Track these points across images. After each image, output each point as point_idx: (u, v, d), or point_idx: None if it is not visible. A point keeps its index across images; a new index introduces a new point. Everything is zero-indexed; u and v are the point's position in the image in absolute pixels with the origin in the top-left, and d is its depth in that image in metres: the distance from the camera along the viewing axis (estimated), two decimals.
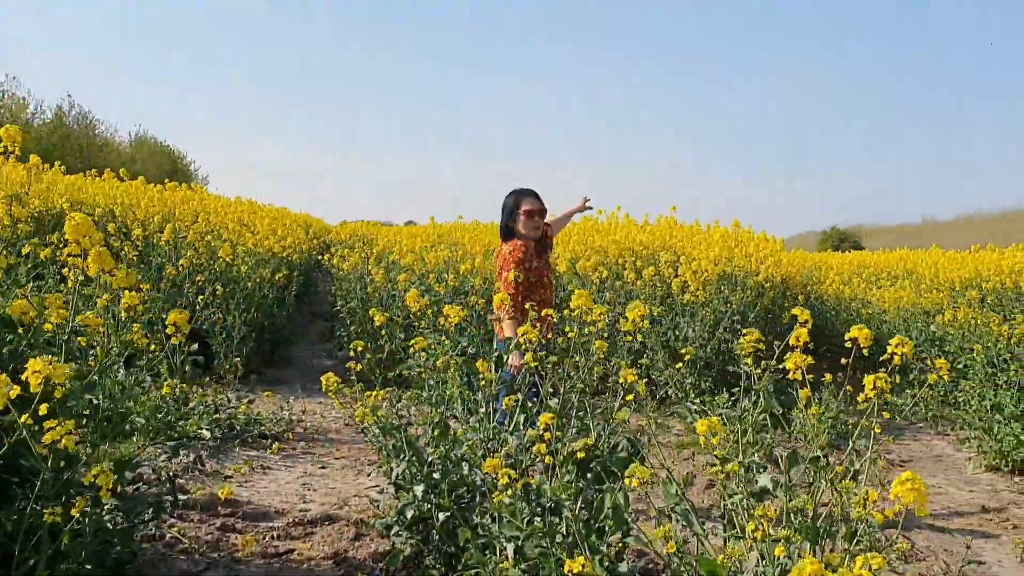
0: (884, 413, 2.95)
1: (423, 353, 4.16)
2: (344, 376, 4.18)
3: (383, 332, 4.65)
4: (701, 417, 8.26)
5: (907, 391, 9.75)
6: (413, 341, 4.17)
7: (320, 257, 12.62)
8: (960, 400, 9.41)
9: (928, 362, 10.24)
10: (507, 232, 5.60)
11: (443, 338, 4.41)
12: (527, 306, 4.57)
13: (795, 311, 8.50)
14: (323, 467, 6.60)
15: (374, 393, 4.01)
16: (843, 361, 3.14)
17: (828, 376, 8.46)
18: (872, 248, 58.60)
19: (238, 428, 7.10)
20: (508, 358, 4.55)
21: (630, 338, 8.99)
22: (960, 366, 9.51)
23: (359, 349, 4.17)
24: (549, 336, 5.54)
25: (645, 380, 8.77)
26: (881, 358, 8.95)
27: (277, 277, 9.91)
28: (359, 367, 4.27)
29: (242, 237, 10.16)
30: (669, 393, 8.64)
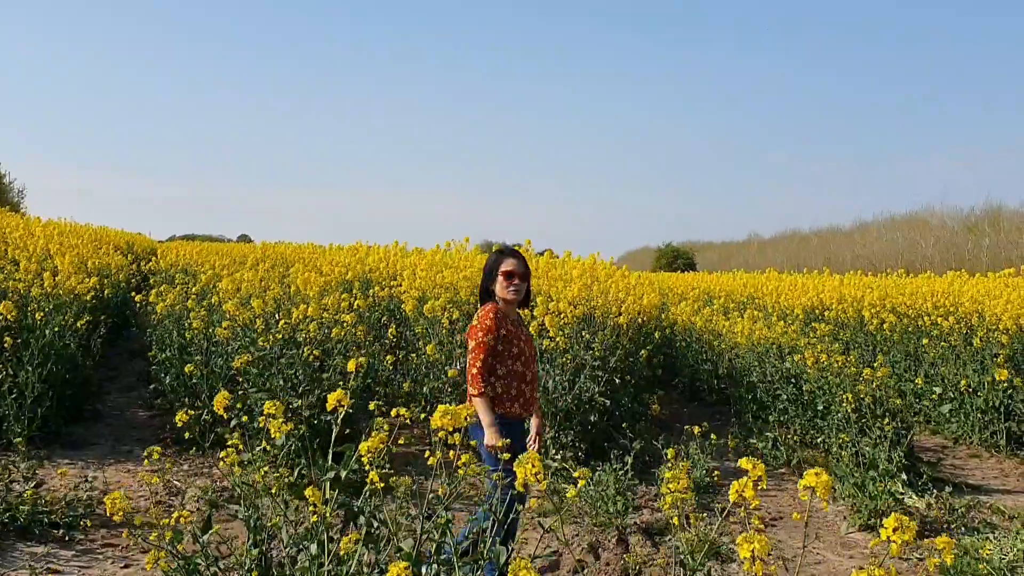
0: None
1: (236, 468, 3.27)
2: (161, 431, 3.27)
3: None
4: (560, 476, 7.62)
5: (768, 434, 9.46)
6: (224, 454, 3.27)
7: (135, 294, 11.26)
8: (820, 442, 9.20)
9: (786, 400, 10.07)
10: (484, 294, 5.10)
11: (264, 444, 3.52)
12: (516, 382, 4.73)
13: (643, 354, 7.77)
14: (127, 565, 5.54)
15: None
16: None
17: (696, 428, 8.05)
18: (704, 263, 60.69)
19: (21, 518, 5.90)
20: (486, 439, 4.50)
21: None
22: (819, 407, 9.30)
23: (180, 423, 3.29)
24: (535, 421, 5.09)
25: None
26: (733, 392, 8.33)
27: (79, 324, 8.65)
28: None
29: (39, 277, 8.83)
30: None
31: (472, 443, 4.64)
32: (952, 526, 7.02)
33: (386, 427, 3.12)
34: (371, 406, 3.83)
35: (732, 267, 57.20)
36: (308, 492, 3.01)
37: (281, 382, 7.22)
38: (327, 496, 3.01)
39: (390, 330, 9.43)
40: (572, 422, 7.90)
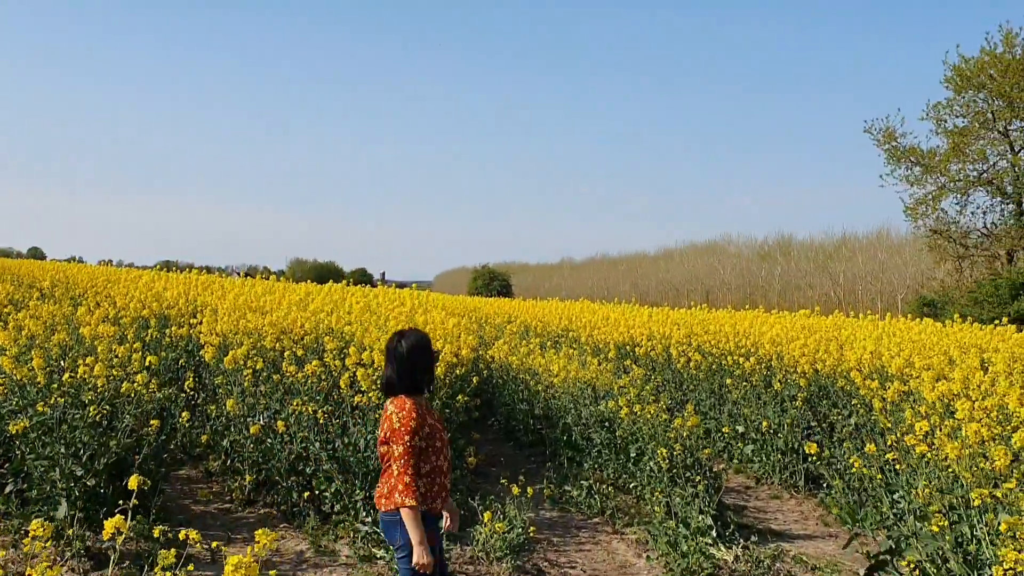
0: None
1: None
2: None
3: None
4: (371, 540, 7.22)
5: (582, 482, 9.40)
6: None
7: None
8: (633, 488, 9.23)
9: (600, 444, 10.07)
10: (406, 384, 4.61)
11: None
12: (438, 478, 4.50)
13: (460, 399, 7.43)
14: None
15: None
16: None
17: (515, 488, 7.86)
18: (519, 285, 61.57)
19: None
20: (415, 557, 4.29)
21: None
22: (632, 454, 9.33)
23: None
24: (446, 521, 4.77)
25: (307, 493, 7.60)
26: (549, 434, 8.11)
27: None
28: None
29: None
30: (335, 509, 7.51)
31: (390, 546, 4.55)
32: None
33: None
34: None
35: (546, 289, 58.40)
36: None
37: (63, 448, 6.48)
38: None
39: (187, 382, 8.75)
40: None
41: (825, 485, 9.97)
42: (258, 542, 3.34)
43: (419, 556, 4.29)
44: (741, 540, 7.90)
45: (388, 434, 4.50)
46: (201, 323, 9.63)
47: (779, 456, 10.73)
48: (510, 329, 16.33)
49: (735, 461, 11.61)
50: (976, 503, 4.25)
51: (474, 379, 9.54)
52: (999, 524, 4.14)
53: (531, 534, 7.77)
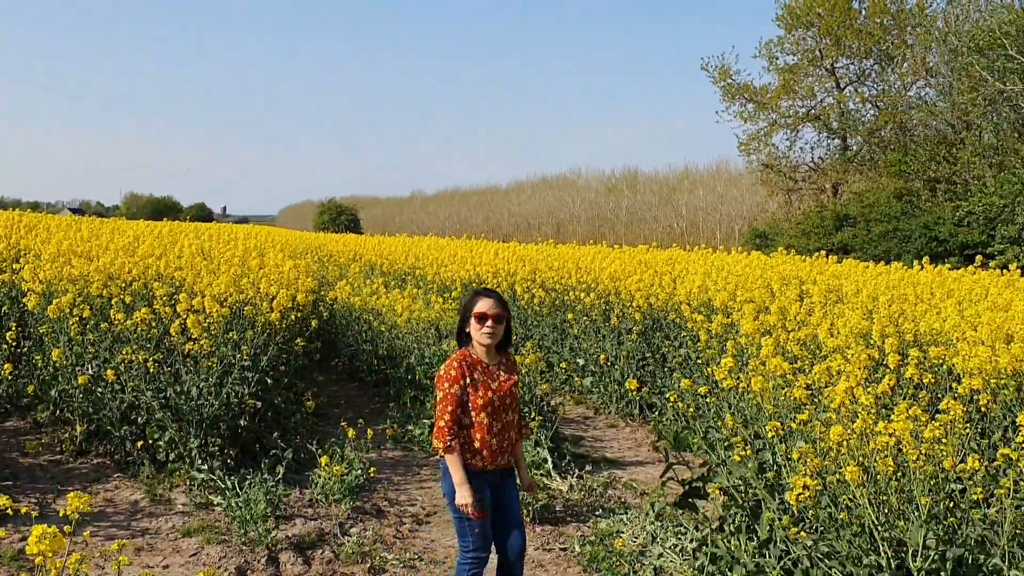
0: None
1: None
2: None
3: None
4: (208, 488, 7.17)
5: (424, 420, 9.54)
6: None
7: None
8: None
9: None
10: (460, 336, 4.85)
11: None
12: (479, 433, 4.58)
13: (299, 343, 7.40)
14: None
15: None
16: None
17: (351, 431, 7.91)
18: (368, 219, 60.87)
19: None
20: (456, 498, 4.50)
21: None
22: None
23: None
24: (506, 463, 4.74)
25: (141, 442, 7.45)
26: (393, 374, 8.22)
27: None
28: None
29: None
30: (171, 458, 7.40)
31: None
32: (591, 509, 7.46)
33: None
34: None
35: (397, 223, 58.01)
36: None
37: None
38: None
39: (10, 332, 8.34)
40: (220, 428, 7.44)
41: (658, 413, 10.46)
42: (70, 505, 3.28)
43: (459, 496, 4.48)
44: (576, 470, 8.23)
45: (436, 383, 4.78)
46: (24, 268, 9.16)
47: (616, 387, 11.17)
48: (355, 268, 16.23)
49: (576, 393, 12.03)
50: (771, 435, 4.59)
51: (313, 322, 9.46)
52: (790, 452, 4.50)
53: (371, 474, 7.86)
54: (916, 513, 4.05)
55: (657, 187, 52.96)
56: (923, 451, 4.14)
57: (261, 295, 8.48)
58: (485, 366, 4.71)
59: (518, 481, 4.90)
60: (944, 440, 4.27)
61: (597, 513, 7.32)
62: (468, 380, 4.63)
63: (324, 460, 7.22)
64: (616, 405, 11.16)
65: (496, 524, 4.70)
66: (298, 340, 9.16)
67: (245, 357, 7.72)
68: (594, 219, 53.32)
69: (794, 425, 4.68)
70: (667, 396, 6.24)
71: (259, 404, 7.98)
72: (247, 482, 7.13)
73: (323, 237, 30.26)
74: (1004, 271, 11.97)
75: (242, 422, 7.67)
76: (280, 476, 7.23)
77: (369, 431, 8.30)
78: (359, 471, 7.58)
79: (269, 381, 8.29)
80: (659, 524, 6.70)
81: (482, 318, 4.69)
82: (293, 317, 8.63)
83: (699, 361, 8.86)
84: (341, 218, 55.49)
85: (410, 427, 9.50)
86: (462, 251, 17.63)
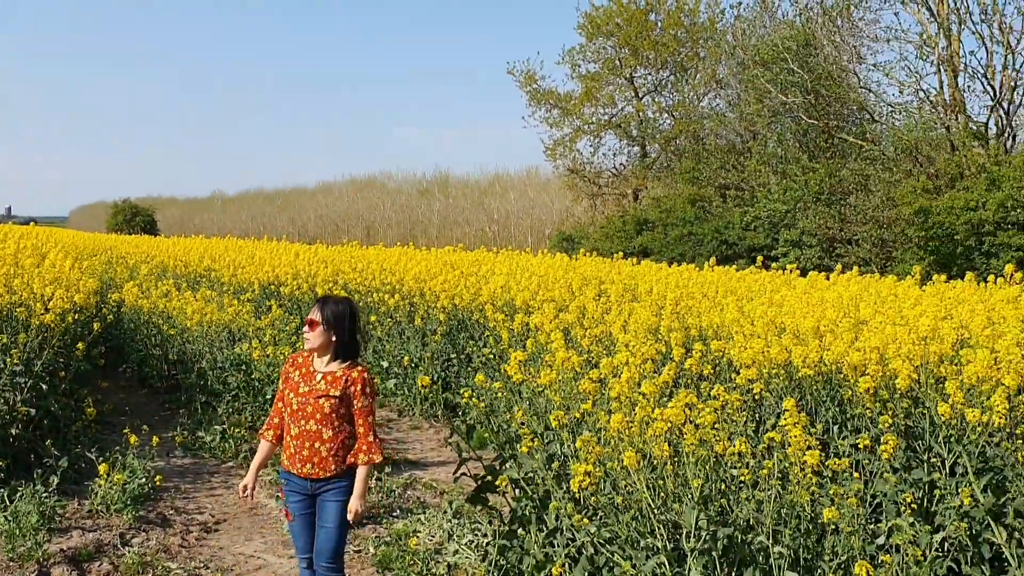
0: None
1: None
2: None
3: None
4: None
5: (216, 426, 9.17)
6: None
7: None
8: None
9: (236, 387, 9.85)
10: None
11: None
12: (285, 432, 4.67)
13: (79, 347, 6.99)
14: None
15: None
16: None
17: (133, 438, 7.49)
18: (166, 220, 58.24)
19: None
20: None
21: None
22: (268, 395, 9.24)
23: None
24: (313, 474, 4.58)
25: None
26: (184, 379, 7.94)
27: None
28: None
29: None
30: None
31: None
32: (389, 510, 7.38)
33: None
34: None
35: (197, 225, 55.72)
36: None
37: None
38: None
39: None
40: None
41: (461, 413, 10.50)
42: None
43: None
44: (376, 472, 8.12)
45: None
46: None
47: (420, 388, 11.11)
48: (145, 270, 15.43)
49: (380, 396, 11.90)
50: (555, 424, 4.68)
51: (95, 325, 8.92)
52: (574, 441, 4.59)
53: (158, 483, 7.50)
54: (690, 496, 4.22)
55: (469, 191, 53.30)
56: (698, 437, 4.31)
57: (36, 296, 7.90)
58: (309, 371, 4.66)
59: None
60: (718, 426, 4.47)
61: (394, 514, 7.26)
62: (285, 378, 4.73)
63: (103, 468, 6.82)
64: (420, 407, 11.12)
65: (311, 530, 4.67)
66: (79, 344, 8.60)
67: (16, 361, 7.17)
68: (405, 222, 53.09)
69: (577, 415, 4.78)
70: (461, 392, 6.26)
71: (33, 412, 7.44)
72: (19, 494, 6.62)
73: (115, 239, 28.65)
74: (783, 271, 12.77)
75: (14, 431, 7.13)
76: (54, 487, 6.77)
77: (155, 438, 7.92)
78: (143, 479, 7.22)
79: (45, 387, 7.75)
80: (456, 522, 6.71)
81: (304, 324, 4.75)
82: (71, 319, 8.09)
83: (505, 359, 8.95)
84: (137, 219, 52.73)
85: (201, 434, 9.11)
86: (261, 252, 17.13)
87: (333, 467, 4.55)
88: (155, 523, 6.90)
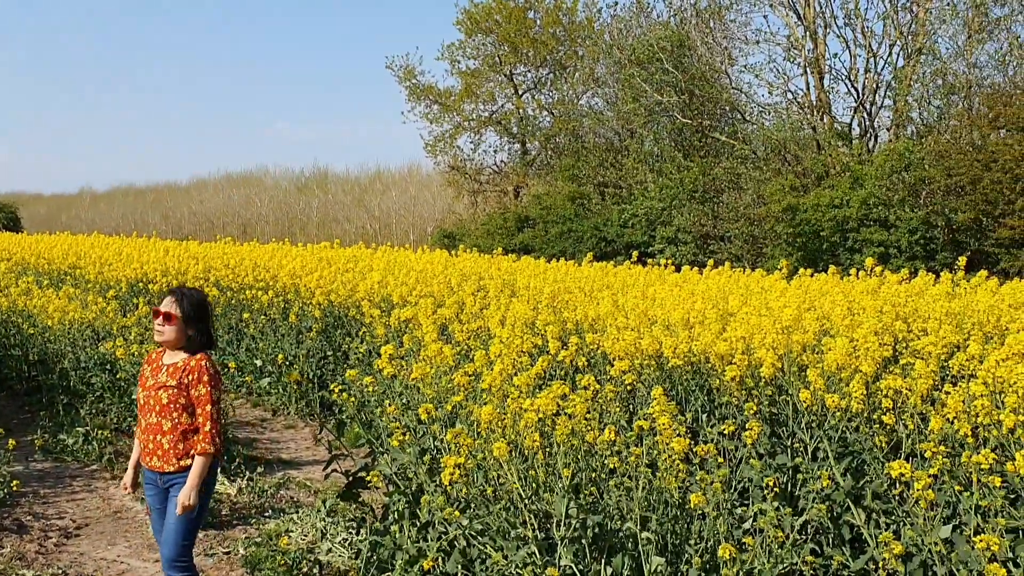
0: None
1: None
2: None
3: None
4: None
5: (78, 428, 8.76)
6: None
7: None
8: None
9: (101, 387, 9.43)
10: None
11: None
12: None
13: None
14: None
15: None
16: None
17: None
18: (31, 218, 55.51)
19: None
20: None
21: None
22: (135, 396, 8.87)
23: None
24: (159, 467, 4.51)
25: None
26: (46, 380, 7.56)
27: None
28: None
29: None
30: None
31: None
32: (261, 510, 7.18)
33: None
34: None
35: (64, 222, 53.26)
36: None
37: None
38: None
39: None
40: None
41: (337, 411, 10.32)
42: None
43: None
44: (247, 472, 7.91)
45: None
46: None
47: (295, 386, 10.88)
48: (4, 267, 14.65)
49: (254, 395, 11.59)
50: (424, 417, 4.63)
51: None
52: (446, 435, 4.55)
53: (14, 488, 7.12)
54: (561, 485, 4.23)
55: (349, 187, 52.64)
56: (570, 427, 4.33)
57: None
58: (159, 365, 4.58)
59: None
60: (589, 415, 4.50)
61: (266, 514, 7.09)
62: (142, 374, 4.67)
63: None
64: (296, 405, 10.89)
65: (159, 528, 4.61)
66: None
67: None
68: (283, 219, 52.04)
69: (448, 408, 4.75)
70: (331, 388, 6.14)
71: None
72: None
73: None
74: (658, 267, 13.03)
75: None
76: None
77: (12, 441, 7.51)
78: None
79: None
80: (330, 520, 6.58)
81: (155, 315, 4.57)
82: None
83: (378, 356, 8.83)
84: None
85: (62, 436, 8.70)
86: (129, 249, 16.48)
87: (174, 461, 4.46)
88: (10, 530, 6.57)
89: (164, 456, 4.47)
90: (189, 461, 4.43)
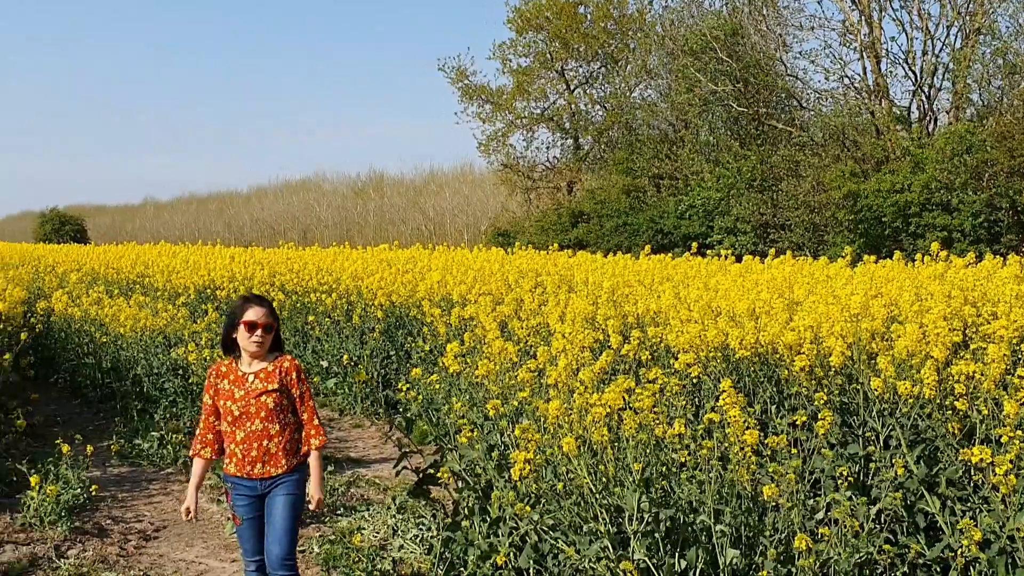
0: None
1: None
2: None
3: None
4: None
5: (153, 433, 8.99)
6: None
7: None
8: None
9: (174, 392, 9.66)
10: (227, 345, 4.74)
11: None
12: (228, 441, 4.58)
13: (6, 358, 6.81)
14: None
15: None
16: None
17: (66, 447, 7.28)
18: (96, 229, 56.98)
19: None
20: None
21: None
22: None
23: None
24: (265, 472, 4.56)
25: None
26: (119, 387, 7.75)
27: None
28: None
29: None
30: None
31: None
32: (332, 508, 7.30)
33: None
34: None
35: (128, 232, 54.59)
36: None
37: None
38: None
39: None
40: None
41: (402, 409, 10.43)
42: None
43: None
44: None
45: None
46: None
47: (361, 386, 11.02)
48: (75, 278, 15.07)
49: (321, 396, 11.77)
50: (492, 413, 4.67)
51: (23, 335, 8.67)
52: (514, 431, 4.59)
53: (93, 492, 7.33)
54: (631, 479, 4.23)
55: (403, 190, 53.05)
56: (638, 421, 4.33)
57: None
58: (238, 375, 4.64)
59: (308, 489, 4.69)
60: (657, 409, 4.49)
61: (338, 512, 7.19)
62: (215, 390, 4.66)
63: (35, 480, 6.65)
64: (361, 405, 11.03)
65: (261, 533, 4.63)
66: (6, 355, 8.37)
67: None
68: (342, 223, 52.64)
69: (515, 404, 4.77)
70: (397, 387, 6.21)
71: None
72: None
73: (43, 248, 28.00)
74: (718, 258, 12.92)
75: None
76: None
77: (89, 447, 7.72)
78: (78, 489, 7.05)
79: None
80: (401, 517, 6.66)
81: (252, 327, 4.61)
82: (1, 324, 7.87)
83: (440, 354, 8.91)
84: (65, 228, 51.51)
85: (138, 441, 8.92)
86: (195, 257, 16.83)
87: (284, 462, 4.56)
88: (91, 533, 6.75)
89: (273, 460, 4.55)
90: (295, 459, 4.57)
